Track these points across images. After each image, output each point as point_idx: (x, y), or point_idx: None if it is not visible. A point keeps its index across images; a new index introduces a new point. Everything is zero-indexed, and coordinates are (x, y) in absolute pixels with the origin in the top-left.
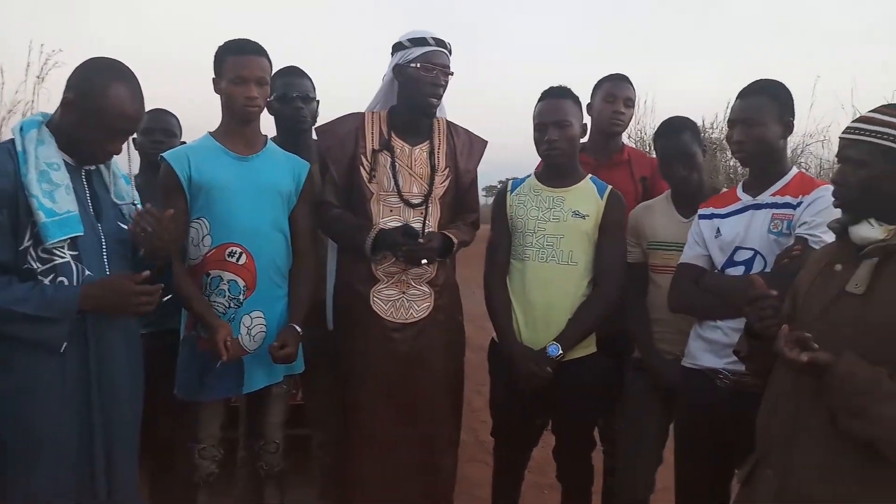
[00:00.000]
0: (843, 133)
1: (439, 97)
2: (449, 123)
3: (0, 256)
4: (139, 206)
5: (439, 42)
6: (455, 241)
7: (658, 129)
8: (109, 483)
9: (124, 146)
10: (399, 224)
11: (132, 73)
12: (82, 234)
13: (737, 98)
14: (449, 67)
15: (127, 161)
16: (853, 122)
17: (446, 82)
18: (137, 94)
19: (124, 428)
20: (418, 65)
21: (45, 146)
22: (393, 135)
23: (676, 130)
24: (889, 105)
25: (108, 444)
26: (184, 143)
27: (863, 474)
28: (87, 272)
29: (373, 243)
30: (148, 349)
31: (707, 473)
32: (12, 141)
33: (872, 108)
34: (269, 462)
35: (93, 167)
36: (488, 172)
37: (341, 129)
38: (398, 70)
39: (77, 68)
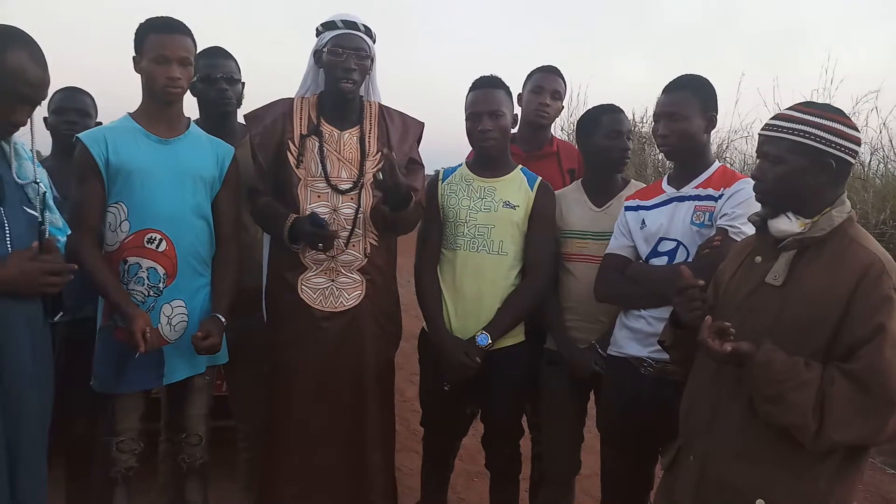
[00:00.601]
0: (761, 130)
1: (353, 81)
2: (382, 107)
3: None
4: (44, 187)
5: (349, 24)
6: (413, 195)
7: (602, 106)
8: (12, 483)
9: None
10: (326, 210)
11: (31, 38)
12: None
13: (662, 93)
14: (365, 50)
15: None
16: (771, 119)
17: (362, 66)
18: (39, 59)
19: (30, 424)
20: (329, 50)
21: None
22: (322, 120)
23: (619, 110)
24: (805, 103)
25: (11, 441)
26: (99, 123)
27: (779, 460)
28: None
29: (289, 233)
30: (63, 339)
31: (631, 460)
32: None
33: (790, 105)
34: (191, 455)
35: None
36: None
37: (269, 115)
38: (317, 56)
39: None
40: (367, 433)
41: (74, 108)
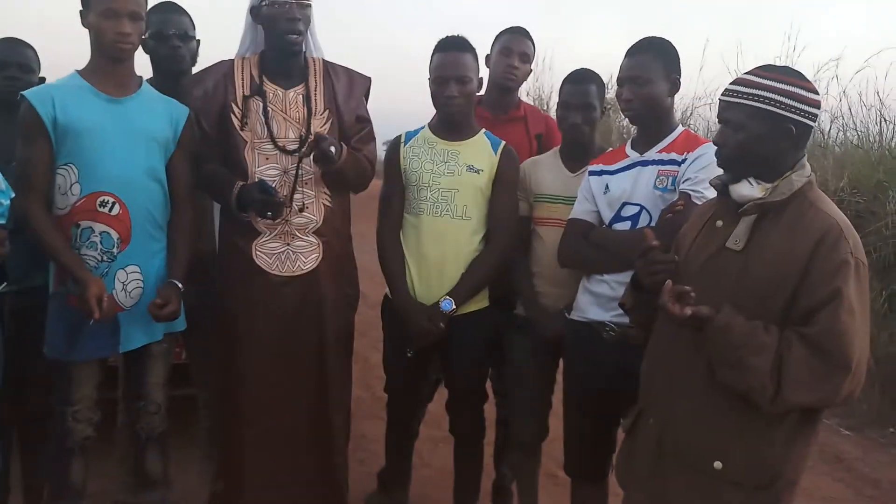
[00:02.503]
0: (721, 95)
1: (298, 32)
2: (326, 63)
3: None
4: None
5: None
6: (343, 150)
7: (567, 75)
8: None
9: None
10: (276, 172)
11: None
12: None
13: (625, 57)
14: (306, 1)
15: None
16: (730, 84)
17: (305, 16)
18: None
19: None
20: (269, 2)
21: None
22: (265, 79)
23: (583, 80)
24: (764, 66)
25: None
26: (43, 79)
27: (736, 423)
28: None
29: (237, 201)
30: (12, 309)
31: (594, 423)
32: None
33: (748, 69)
34: (150, 424)
35: None
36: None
37: (209, 79)
38: (255, 13)
39: None
40: (330, 396)
41: (16, 63)
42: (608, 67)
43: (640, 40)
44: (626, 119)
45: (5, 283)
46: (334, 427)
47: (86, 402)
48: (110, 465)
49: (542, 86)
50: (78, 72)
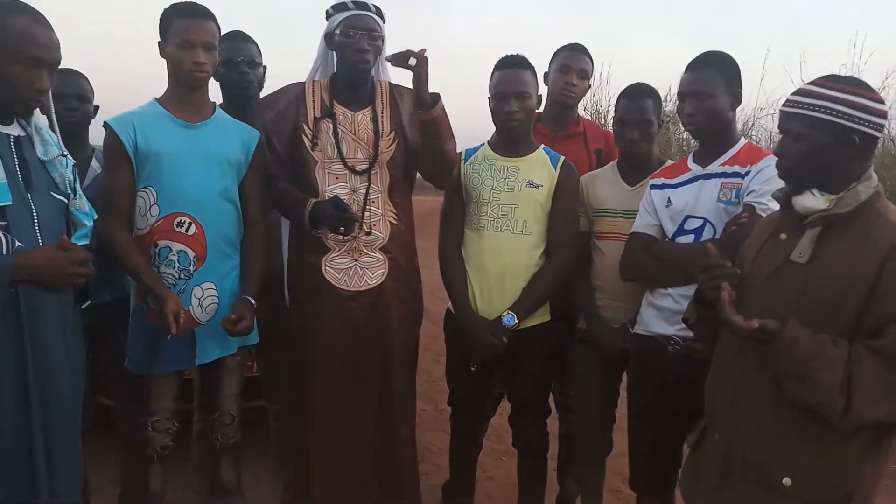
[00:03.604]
0: (783, 106)
1: (366, 62)
2: (392, 86)
3: None
4: (65, 153)
5: (360, 5)
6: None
7: (623, 90)
8: (49, 461)
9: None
10: (345, 191)
11: (30, 5)
12: (10, 203)
13: (686, 71)
14: (377, 30)
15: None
16: (791, 94)
17: (375, 46)
18: (42, 21)
19: (63, 403)
20: (341, 31)
21: None
22: (335, 102)
23: (640, 95)
24: (827, 76)
25: (47, 418)
26: (97, 107)
27: (806, 438)
28: (18, 244)
29: (310, 217)
30: (91, 325)
31: (659, 439)
32: None
33: (811, 79)
34: (224, 434)
35: (22, 133)
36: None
37: (281, 100)
38: (328, 38)
39: None
40: (396, 409)
41: (73, 94)
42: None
43: (701, 54)
44: (686, 132)
45: (89, 301)
46: (400, 439)
47: (164, 413)
48: (186, 474)
49: (599, 100)
50: (156, 99)
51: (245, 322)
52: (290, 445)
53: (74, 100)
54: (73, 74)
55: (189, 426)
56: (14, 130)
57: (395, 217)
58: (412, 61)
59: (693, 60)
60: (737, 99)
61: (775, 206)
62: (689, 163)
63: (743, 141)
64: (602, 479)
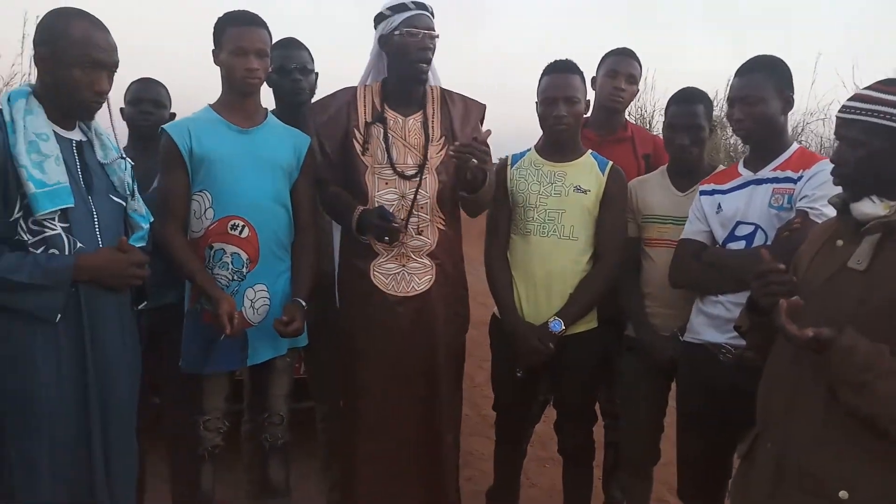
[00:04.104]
0: (838, 112)
1: (428, 61)
2: (443, 91)
3: None
4: (124, 156)
5: (419, 5)
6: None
7: (673, 95)
8: (106, 456)
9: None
10: (394, 197)
11: (87, 11)
12: (73, 205)
13: (735, 75)
14: (434, 30)
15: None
16: (848, 100)
17: (434, 45)
18: (100, 25)
19: (120, 402)
20: (402, 31)
21: (34, 116)
22: (386, 106)
23: (691, 100)
24: (884, 80)
25: (105, 418)
26: (173, 114)
27: (865, 450)
28: (79, 244)
29: (357, 225)
30: (146, 326)
31: (708, 448)
32: (0, 111)
33: (868, 84)
34: (273, 434)
35: (83, 138)
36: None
37: (333, 105)
38: (383, 41)
39: (36, 28)
40: (441, 414)
41: (150, 99)
42: (712, 84)
43: (751, 59)
44: (733, 137)
45: (145, 302)
46: (445, 444)
47: (216, 413)
48: (235, 473)
49: (644, 105)
50: (210, 105)
51: (296, 324)
52: (337, 447)
53: (150, 105)
54: (151, 81)
55: (238, 426)
56: (76, 135)
57: (444, 223)
58: (473, 162)
59: (743, 65)
60: (788, 103)
61: (829, 212)
62: (740, 168)
63: (795, 145)
64: (649, 489)
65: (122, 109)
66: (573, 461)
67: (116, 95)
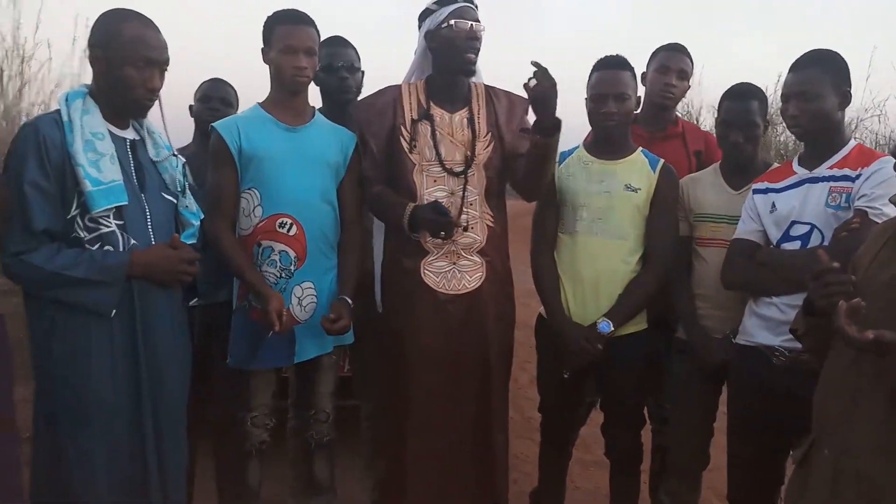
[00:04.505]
0: None
1: (476, 52)
2: (488, 88)
3: (49, 224)
4: (181, 164)
5: None
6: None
7: (727, 91)
8: (158, 450)
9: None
10: (443, 194)
11: (140, 12)
12: (127, 203)
13: (789, 71)
14: (480, 22)
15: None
16: None
17: (481, 37)
18: (152, 25)
19: (171, 398)
20: (451, 23)
21: (91, 115)
22: (432, 104)
23: (745, 96)
24: None
25: (156, 412)
26: None
27: None
28: (133, 241)
29: (409, 221)
30: (200, 322)
31: (760, 453)
32: (58, 111)
33: None
34: (319, 432)
35: (136, 137)
36: None
37: (378, 103)
38: (430, 36)
39: (90, 30)
40: (492, 413)
41: (218, 97)
42: (762, 80)
43: (806, 53)
44: (784, 135)
45: (196, 299)
46: (496, 445)
47: (263, 409)
48: (280, 469)
49: (691, 101)
50: (259, 104)
51: (343, 321)
52: (382, 445)
53: (218, 102)
54: (220, 81)
55: (284, 423)
56: (129, 134)
57: (492, 219)
58: (532, 82)
59: (797, 60)
60: (845, 99)
61: (889, 212)
62: (795, 166)
63: (853, 142)
64: (698, 495)
65: (190, 107)
66: (620, 465)
67: (169, 93)
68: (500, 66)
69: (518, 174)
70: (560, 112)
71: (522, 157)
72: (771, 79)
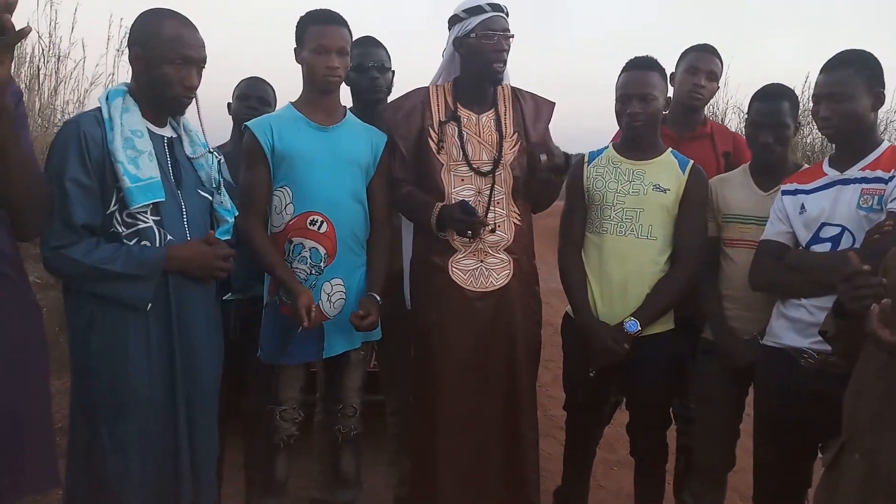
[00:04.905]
0: None
1: (504, 62)
2: (514, 89)
3: (89, 220)
4: (213, 152)
5: (495, 7)
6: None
7: (757, 91)
8: (191, 442)
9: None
10: (470, 193)
11: (177, 11)
12: (164, 199)
13: (821, 72)
14: (509, 31)
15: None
16: None
17: (509, 46)
18: (190, 24)
19: (204, 391)
20: (478, 34)
21: (130, 114)
22: (459, 105)
23: (776, 97)
24: None
25: (189, 405)
26: None
27: None
28: (169, 237)
29: (437, 221)
30: (237, 316)
31: (787, 455)
32: (99, 109)
33: None
34: (346, 426)
35: (174, 135)
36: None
37: (407, 105)
38: (458, 43)
39: (130, 29)
40: (521, 410)
41: (256, 96)
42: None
43: (838, 54)
44: (811, 136)
45: (230, 293)
46: (526, 441)
47: (291, 403)
48: (308, 463)
49: (716, 101)
50: (292, 103)
51: (371, 318)
52: (410, 442)
53: (256, 101)
54: (259, 80)
55: (311, 417)
56: (167, 132)
57: (519, 218)
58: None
59: (829, 61)
60: (878, 100)
61: None
62: (825, 167)
63: (885, 144)
64: (723, 496)
65: (228, 104)
66: (645, 464)
67: (205, 91)
68: (529, 70)
69: (532, 186)
70: (585, 113)
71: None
72: (799, 79)
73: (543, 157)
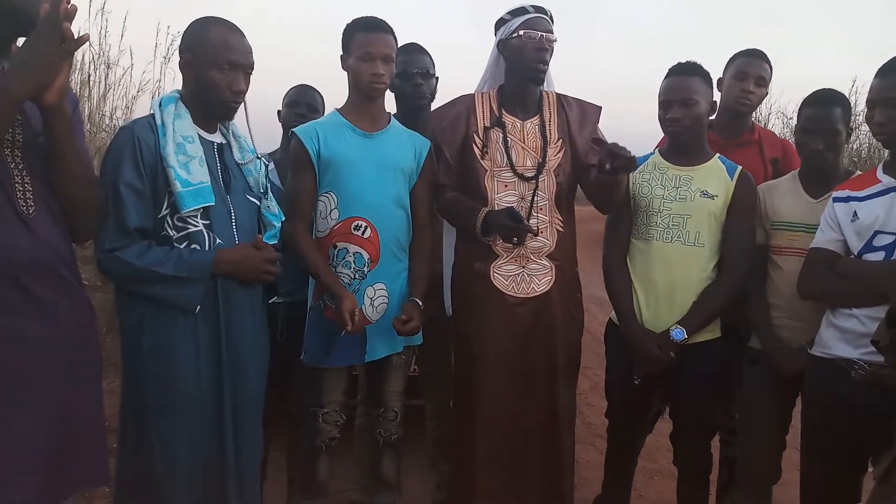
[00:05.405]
0: None
1: (545, 62)
2: (559, 96)
3: (142, 223)
4: (261, 157)
5: (538, 9)
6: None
7: (807, 97)
8: (236, 443)
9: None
10: (514, 199)
11: (225, 18)
12: (213, 204)
13: (876, 76)
14: (552, 33)
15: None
16: None
17: (551, 48)
18: (237, 30)
19: (250, 393)
20: (521, 33)
21: (182, 120)
22: (503, 111)
23: (827, 102)
24: None
25: (235, 406)
26: None
27: None
28: (218, 241)
29: (482, 226)
30: (284, 319)
31: (836, 468)
32: (152, 115)
33: None
34: (387, 430)
35: (223, 141)
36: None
37: (452, 111)
38: (502, 45)
39: (182, 35)
40: (560, 417)
41: (305, 103)
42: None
43: (894, 58)
44: (857, 142)
45: (276, 297)
46: (564, 449)
47: (334, 406)
48: (349, 466)
49: (759, 106)
50: (337, 110)
51: (414, 322)
52: (450, 446)
53: (305, 108)
54: (308, 87)
55: (352, 420)
56: (217, 138)
57: (562, 224)
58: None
59: (885, 64)
60: None
61: None
62: (879, 174)
63: None
64: None
65: (278, 112)
66: (688, 474)
67: (253, 98)
68: (569, 75)
69: (590, 188)
70: (626, 118)
71: (593, 167)
72: (846, 84)
73: (607, 166)
